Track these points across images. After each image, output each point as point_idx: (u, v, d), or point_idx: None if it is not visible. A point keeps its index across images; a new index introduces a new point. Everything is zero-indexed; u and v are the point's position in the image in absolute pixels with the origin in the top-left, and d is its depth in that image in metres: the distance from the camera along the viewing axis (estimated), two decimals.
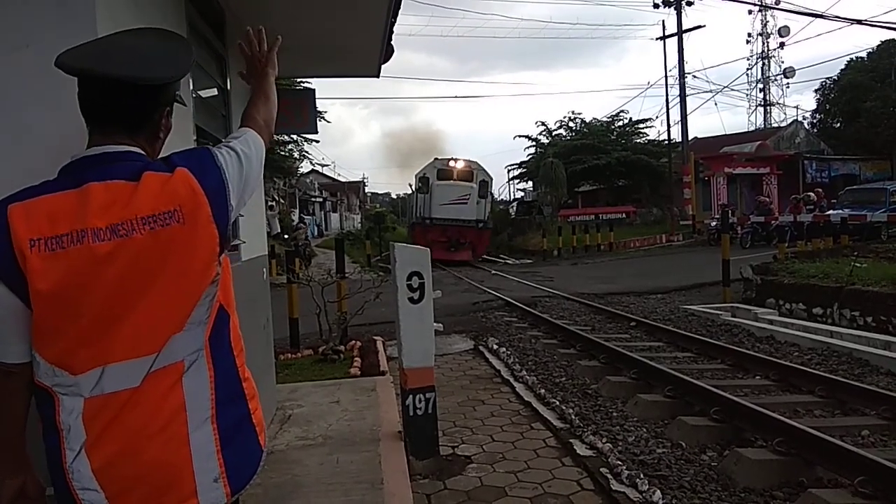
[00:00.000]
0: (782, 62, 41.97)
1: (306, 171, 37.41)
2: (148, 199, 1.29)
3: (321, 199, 49.44)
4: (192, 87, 3.06)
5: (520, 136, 37.13)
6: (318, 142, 35.30)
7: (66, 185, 1.31)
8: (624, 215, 30.00)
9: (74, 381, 1.27)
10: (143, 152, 1.40)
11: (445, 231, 23.18)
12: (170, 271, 1.29)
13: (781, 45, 39.77)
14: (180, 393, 1.31)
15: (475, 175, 25.09)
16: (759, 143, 29.52)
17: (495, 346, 7.59)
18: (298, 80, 11.86)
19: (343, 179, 59.98)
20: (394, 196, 75.71)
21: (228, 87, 3.98)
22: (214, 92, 3.86)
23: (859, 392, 5.17)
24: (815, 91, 34.83)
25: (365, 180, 67.70)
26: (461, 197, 23.95)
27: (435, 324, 4.21)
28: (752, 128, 40.52)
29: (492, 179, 27.36)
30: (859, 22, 23.28)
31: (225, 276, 1.42)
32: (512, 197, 45.83)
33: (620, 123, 34.90)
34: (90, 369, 1.27)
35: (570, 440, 4.46)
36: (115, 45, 1.40)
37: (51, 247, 1.24)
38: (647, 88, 74.43)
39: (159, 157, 1.46)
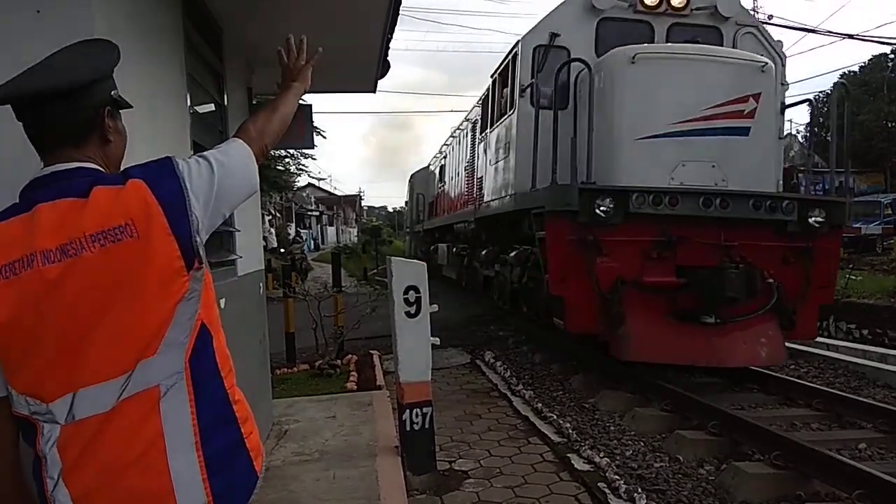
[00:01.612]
0: None
1: (303, 184, 37.48)
2: (96, 215, 1.24)
3: (317, 213, 49.51)
4: (188, 103, 3.07)
5: None
6: (314, 158, 35.45)
7: (19, 209, 1.28)
8: None
9: (48, 409, 1.25)
10: (95, 166, 1.35)
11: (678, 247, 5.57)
12: (127, 289, 1.24)
13: None
14: (157, 420, 1.26)
15: (740, 37, 7.33)
16: None
17: (492, 360, 7.57)
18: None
19: (339, 193, 60.13)
20: (390, 209, 75.91)
21: (225, 102, 4.00)
22: (211, 107, 3.87)
23: (856, 405, 5.17)
24: (809, 104, 35.14)
25: (361, 194, 67.95)
26: (731, 104, 5.71)
27: (432, 338, 4.19)
28: None
29: (784, 59, 7.93)
30: (851, 36, 23.63)
31: (207, 292, 1.36)
32: None
33: None
34: (61, 396, 1.24)
35: (568, 454, 4.45)
36: (36, 65, 1.36)
37: (5, 275, 1.21)
38: None
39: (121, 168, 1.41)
